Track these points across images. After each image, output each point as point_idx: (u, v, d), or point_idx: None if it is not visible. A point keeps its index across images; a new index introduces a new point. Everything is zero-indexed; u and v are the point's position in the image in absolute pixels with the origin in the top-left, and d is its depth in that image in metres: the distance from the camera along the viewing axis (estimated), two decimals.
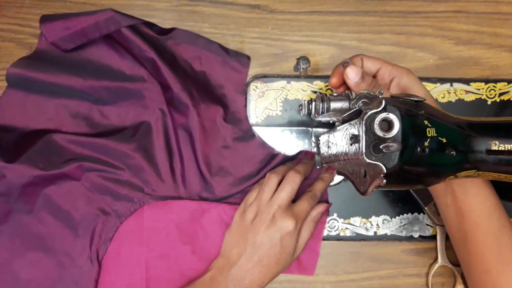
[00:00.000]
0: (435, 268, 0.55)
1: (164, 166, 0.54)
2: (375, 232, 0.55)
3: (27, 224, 0.52)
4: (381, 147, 0.35)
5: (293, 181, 0.49)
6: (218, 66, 0.56)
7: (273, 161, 0.54)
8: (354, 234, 0.55)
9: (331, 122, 0.52)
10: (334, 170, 0.53)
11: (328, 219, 0.55)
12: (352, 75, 0.44)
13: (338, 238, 0.55)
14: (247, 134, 0.55)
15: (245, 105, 0.55)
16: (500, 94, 0.56)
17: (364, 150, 0.36)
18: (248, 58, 0.56)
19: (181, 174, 0.54)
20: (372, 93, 0.44)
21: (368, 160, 0.36)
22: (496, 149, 0.42)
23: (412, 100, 0.40)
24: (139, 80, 0.55)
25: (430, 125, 0.39)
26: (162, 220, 0.54)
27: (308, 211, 0.50)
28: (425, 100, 0.40)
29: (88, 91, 0.55)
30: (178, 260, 0.53)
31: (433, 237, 0.55)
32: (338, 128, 0.43)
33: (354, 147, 0.38)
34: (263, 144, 0.55)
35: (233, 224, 0.51)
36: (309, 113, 0.50)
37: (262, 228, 0.48)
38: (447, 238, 0.54)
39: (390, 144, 0.35)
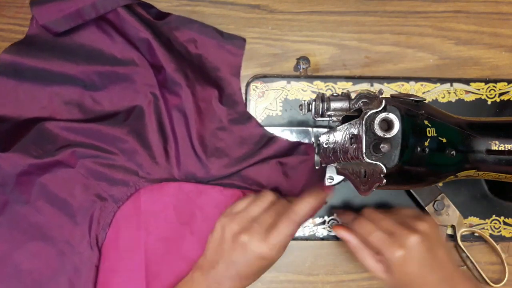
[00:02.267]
0: None
1: (158, 148, 0.54)
2: None
3: (24, 214, 0.52)
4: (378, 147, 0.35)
5: (287, 224, 0.46)
6: (213, 49, 0.56)
7: (269, 144, 0.54)
8: None
9: (331, 122, 0.52)
10: (329, 191, 0.49)
11: (328, 219, 0.55)
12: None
13: (338, 238, 0.55)
14: (243, 117, 0.55)
15: (240, 88, 0.55)
16: (500, 94, 0.55)
17: (364, 150, 0.36)
18: (244, 40, 0.56)
19: (175, 156, 0.54)
20: (372, 93, 0.44)
21: (368, 160, 0.36)
22: (496, 149, 0.43)
23: (412, 100, 0.40)
24: (130, 64, 0.55)
25: (430, 125, 0.39)
26: (159, 203, 0.53)
27: (288, 237, 0.46)
28: (425, 100, 0.40)
29: (80, 76, 0.54)
30: (177, 242, 0.53)
31: None
32: (338, 128, 0.43)
33: (354, 147, 0.38)
34: (259, 127, 0.54)
35: (217, 227, 0.48)
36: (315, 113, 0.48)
37: (238, 247, 0.45)
38: (447, 238, 0.54)
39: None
